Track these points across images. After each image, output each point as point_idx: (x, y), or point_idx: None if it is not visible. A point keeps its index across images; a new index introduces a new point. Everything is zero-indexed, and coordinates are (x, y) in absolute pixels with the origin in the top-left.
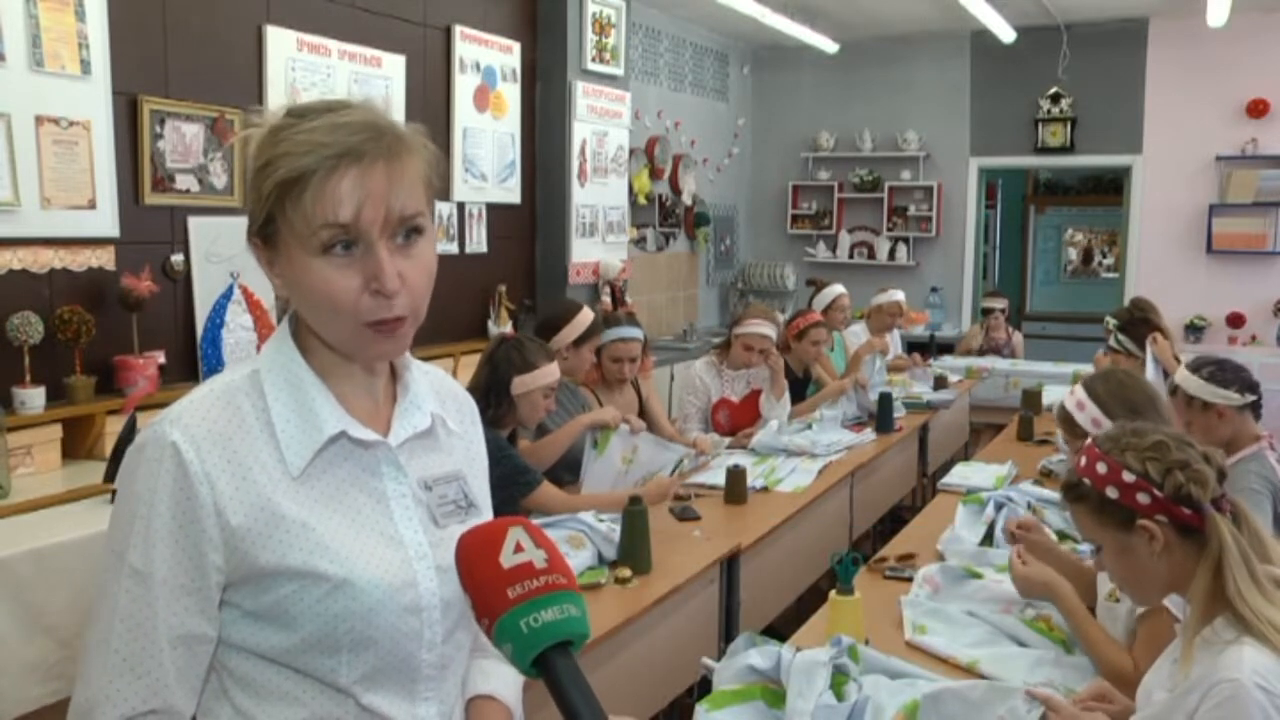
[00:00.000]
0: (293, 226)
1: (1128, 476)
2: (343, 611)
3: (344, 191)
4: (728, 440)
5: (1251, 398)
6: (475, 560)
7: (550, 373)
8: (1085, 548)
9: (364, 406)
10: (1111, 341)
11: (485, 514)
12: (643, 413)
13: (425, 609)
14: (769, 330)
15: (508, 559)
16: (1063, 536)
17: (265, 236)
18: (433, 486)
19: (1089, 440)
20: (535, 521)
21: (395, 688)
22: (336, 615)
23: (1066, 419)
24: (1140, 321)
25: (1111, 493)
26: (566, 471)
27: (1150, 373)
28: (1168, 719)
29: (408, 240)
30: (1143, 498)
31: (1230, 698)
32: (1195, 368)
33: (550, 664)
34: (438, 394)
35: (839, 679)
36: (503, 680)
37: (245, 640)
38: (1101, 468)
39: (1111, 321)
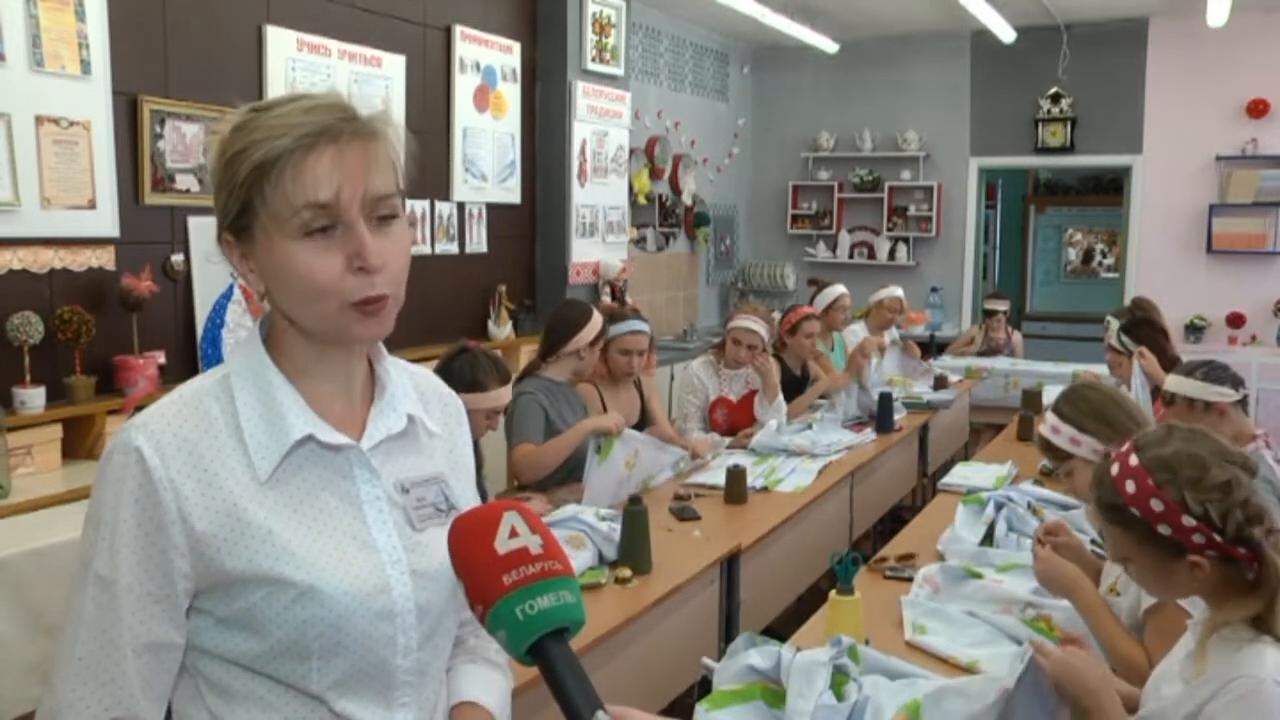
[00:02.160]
0: (271, 210)
1: (1188, 521)
2: (310, 618)
3: (322, 170)
4: (728, 440)
5: (1244, 392)
6: (469, 545)
7: (498, 397)
8: None
9: (339, 408)
10: (1113, 341)
11: None
12: (644, 412)
13: (399, 614)
14: (755, 325)
15: (503, 544)
16: None
17: (239, 229)
18: (410, 489)
19: (1134, 459)
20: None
21: (370, 694)
22: (304, 622)
23: (1047, 445)
24: (1142, 322)
25: (1164, 530)
26: (579, 469)
27: (1137, 386)
28: (1178, 709)
29: (383, 222)
30: (1199, 539)
31: (1251, 693)
32: (1188, 372)
33: (545, 651)
34: (421, 394)
35: (839, 679)
36: (485, 685)
37: (217, 647)
38: (1157, 505)
39: (1114, 322)
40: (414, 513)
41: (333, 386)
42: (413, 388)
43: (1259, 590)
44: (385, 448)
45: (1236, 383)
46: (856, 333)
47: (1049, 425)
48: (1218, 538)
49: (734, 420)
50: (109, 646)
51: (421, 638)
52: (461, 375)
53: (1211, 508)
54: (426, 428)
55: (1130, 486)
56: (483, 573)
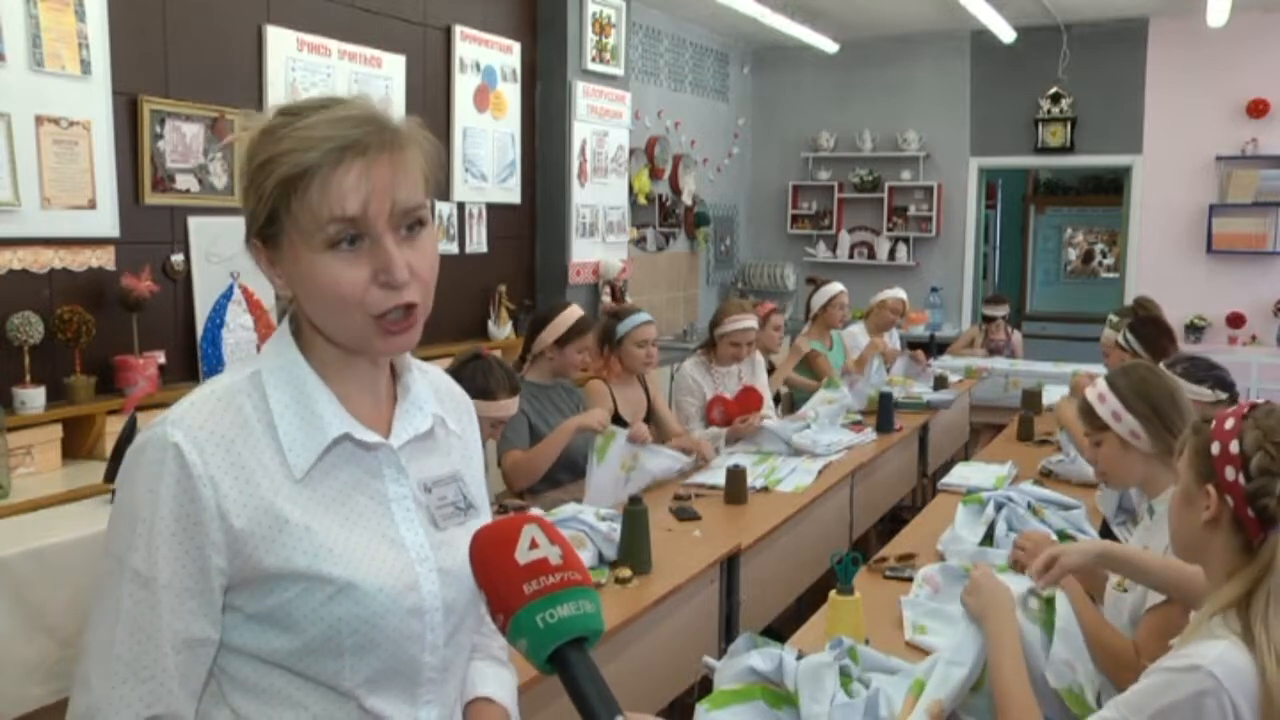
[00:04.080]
0: (298, 223)
1: (1234, 448)
2: (346, 615)
3: (349, 185)
4: (724, 431)
5: (1223, 395)
6: (490, 556)
7: (505, 407)
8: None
9: (366, 407)
10: (1120, 339)
11: (483, 515)
12: (650, 410)
13: (428, 611)
14: (750, 323)
15: (523, 555)
16: (1063, 536)
17: (267, 236)
18: (432, 488)
19: (1262, 399)
20: None
21: (397, 690)
22: (340, 619)
23: (1088, 410)
24: (1148, 321)
25: (1215, 448)
26: (564, 472)
27: None
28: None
29: (411, 232)
30: (1229, 472)
31: (1182, 669)
32: (1170, 364)
33: (565, 660)
34: (437, 393)
35: (843, 680)
36: (499, 682)
37: (247, 644)
38: (1229, 424)
39: (1120, 323)
40: (436, 511)
41: (361, 385)
42: (428, 386)
43: (1249, 568)
44: (411, 447)
45: (1219, 383)
46: (855, 333)
47: (1097, 392)
48: (1241, 480)
49: (731, 416)
50: (148, 643)
51: (447, 635)
52: (473, 381)
53: (1257, 456)
54: (446, 426)
55: (1229, 409)
56: (504, 582)
